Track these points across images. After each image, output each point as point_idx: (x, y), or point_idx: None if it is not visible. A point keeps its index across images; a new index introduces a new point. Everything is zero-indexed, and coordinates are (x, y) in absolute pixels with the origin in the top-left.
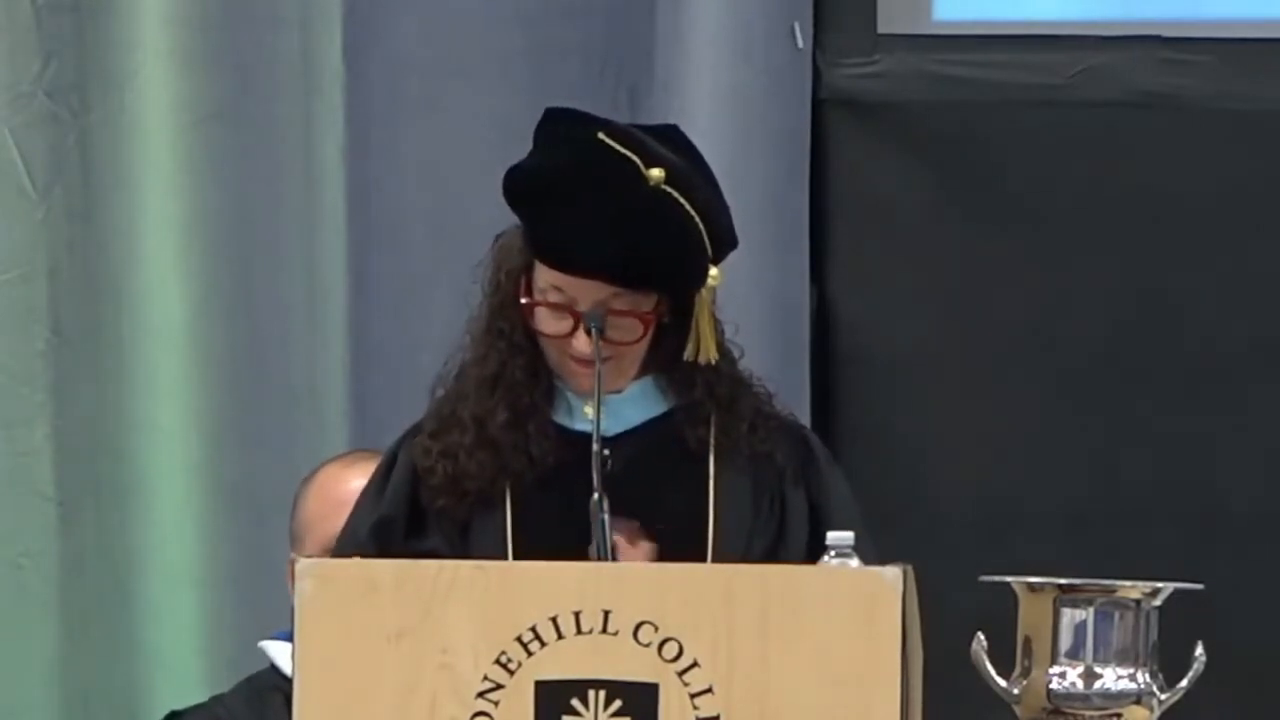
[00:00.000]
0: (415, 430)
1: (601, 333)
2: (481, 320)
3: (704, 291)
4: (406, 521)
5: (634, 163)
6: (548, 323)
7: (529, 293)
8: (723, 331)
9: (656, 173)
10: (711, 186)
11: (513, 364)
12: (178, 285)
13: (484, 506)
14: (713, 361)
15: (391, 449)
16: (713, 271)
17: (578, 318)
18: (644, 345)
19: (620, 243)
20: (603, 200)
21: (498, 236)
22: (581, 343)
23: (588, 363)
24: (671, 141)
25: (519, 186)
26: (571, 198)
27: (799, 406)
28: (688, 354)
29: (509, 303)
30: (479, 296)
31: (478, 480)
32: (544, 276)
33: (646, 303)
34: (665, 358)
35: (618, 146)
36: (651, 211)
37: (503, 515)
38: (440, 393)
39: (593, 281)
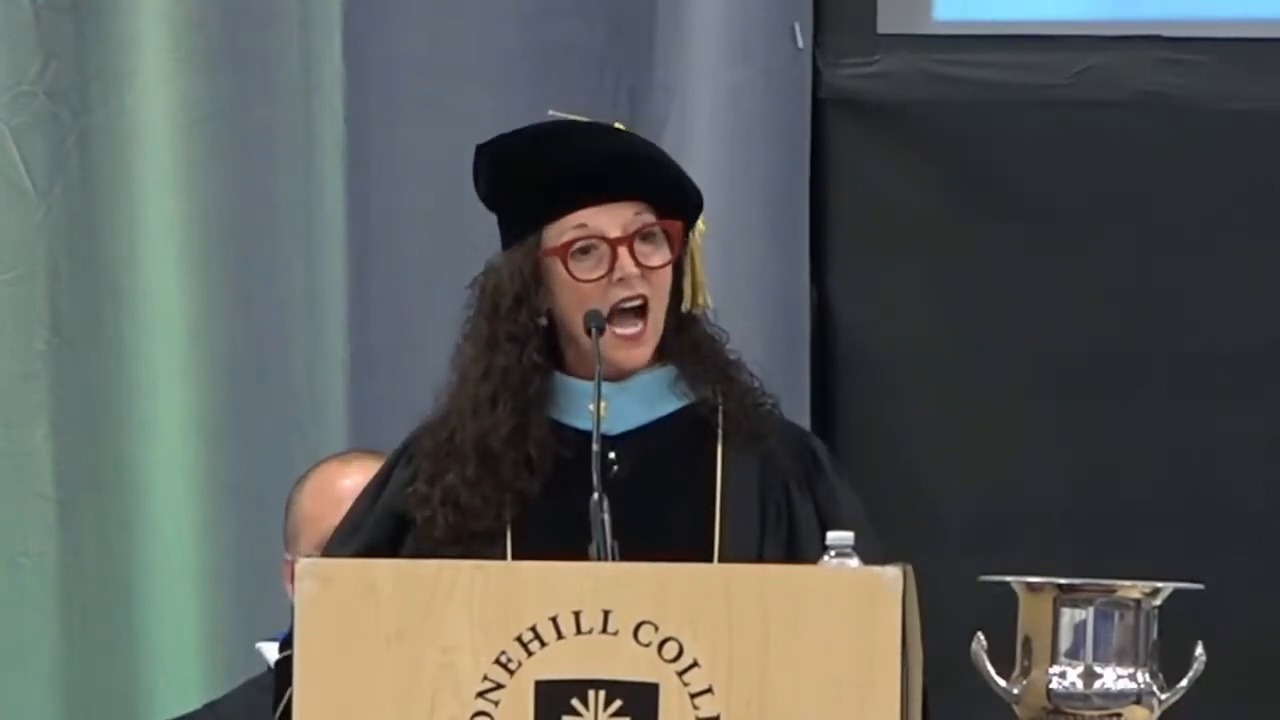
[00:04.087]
0: (410, 443)
1: (602, 331)
2: (478, 342)
3: (696, 236)
4: (390, 543)
5: (592, 120)
6: (584, 269)
7: (538, 288)
8: (725, 341)
9: (620, 125)
10: None
11: (510, 356)
12: (177, 285)
13: (490, 534)
14: (709, 309)
15: (387, 465)
16: (700, 224)
17: (613, 245)
18: (668, 283)
19: (628, 156)
20: (593, 135)
21: (489, 260)
22: (625, 263)
23: (635, 338)
24: None
25: (507, 145)
26: (566, 141)
27: (799, 406)
28: (685, 304)
29: (517, 304)
30: (470, 321)
31: (483, 519)
32: (564, 229)
33: (671, 224)
34: (680, 340)
35: (570, 115)
36: (639, 138)
37: (504, 518)
38: (428, 441)
39: (614, 205)
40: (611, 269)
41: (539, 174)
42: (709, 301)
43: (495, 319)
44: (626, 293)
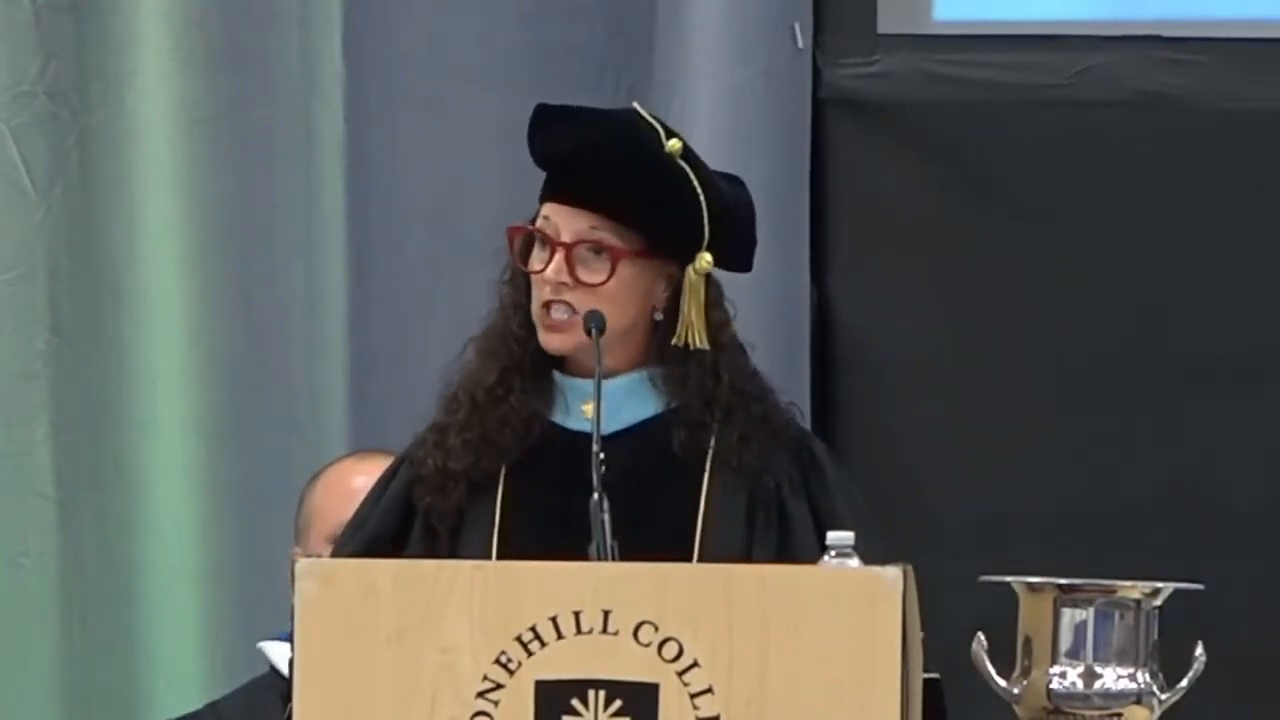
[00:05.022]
0: (419, 441)
1: (601, 331)
2: (496, 299)
3: (692, 274)
4: (395, 538)
5: (656, 130)
6: (534, 260)
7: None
8: (729, 328)
9: (674, 143)
10: (739, 205)
11: (513, 319)
12: (177, 285)
13: (474, 499)
14: (699, 343)
15: (395, 462)
16: (705, 257)
17: (554, 248)
18: (612, 300)
19: (610, 174)
20: (616, 143)
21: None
22: (551, 270)
23: (557, 325)
24: (730, 181)
25: (545, 114)
26: (588, 132)
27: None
28: (676, 337)
29: (518, 271)
30: (489, 306)
31: (462, 460)
32: (539, 214)
33: (621, 242)
34: (662, 353)
35: (647, 115)
36: (654, 165)
37: (491, 512)
38: (453, 384)
39: (577, 209)
40: (545, 268)
41: (537, 153)
42: (702, 342)
43: (505, 281)
44: (552, 297)
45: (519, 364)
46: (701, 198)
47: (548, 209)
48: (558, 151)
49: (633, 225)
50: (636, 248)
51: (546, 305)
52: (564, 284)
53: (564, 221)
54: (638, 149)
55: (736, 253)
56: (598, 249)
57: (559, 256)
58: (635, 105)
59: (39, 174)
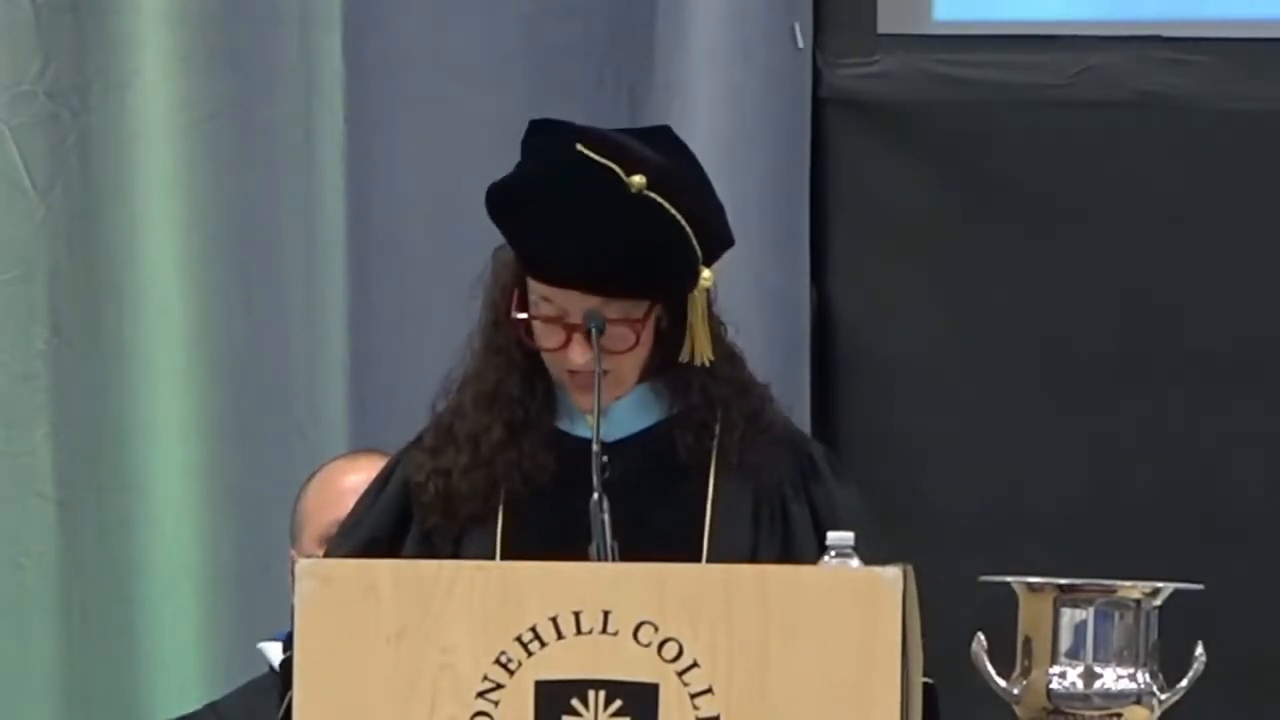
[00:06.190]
0: (415, 444)
1: (601, 332)
2: (480, 335)
3: (696, 293)
4: (391, 539)
5: (613, 171)
6: (543, 336)
7: (523, 307)
8: (724, 335)
9: (638, 179)
10: (701, 186)
11: (509, 380)
12: (178, 285)
13: (477, 519)
14: (707, 363)
15: (390, 463)
16: (705, 273)
17: (570, 330)
18: (641, 353)
19: (601, 251)
20: (582, 210)
21: (496, 251)
22: (576, 353)
23: (585, 375)
24: (660, 143)
25: (499, 201)
26: (551, 209)
27: (799, 407)
28: (683, 355)
29: (502, 317)
30: (480, 310)
31: (470, 502)
32: (535, 289)
33: (636, 310)
34: (665, 362)
35: (596, 156)
36: (633, 218)
37: (495, 519)
38: (441, 406)
39: (578, 292)
40: (567, 345)
41: (519, 237)
42: (710, 357)
43: (490, 322)
44: (583, 370)
45: (523, 423)
46: (686, 226)
47: (543, 290)
48: (538, 250)
49: (638, 295)
50: (647, 308)
51: (573, 373)
52: (589, 364)
53: (569, 303)
54: (614, 213)
55: (720, 242)
56: (615, 319)
57: (577, 339)
58: (580, 148)
59: (39, 174)
